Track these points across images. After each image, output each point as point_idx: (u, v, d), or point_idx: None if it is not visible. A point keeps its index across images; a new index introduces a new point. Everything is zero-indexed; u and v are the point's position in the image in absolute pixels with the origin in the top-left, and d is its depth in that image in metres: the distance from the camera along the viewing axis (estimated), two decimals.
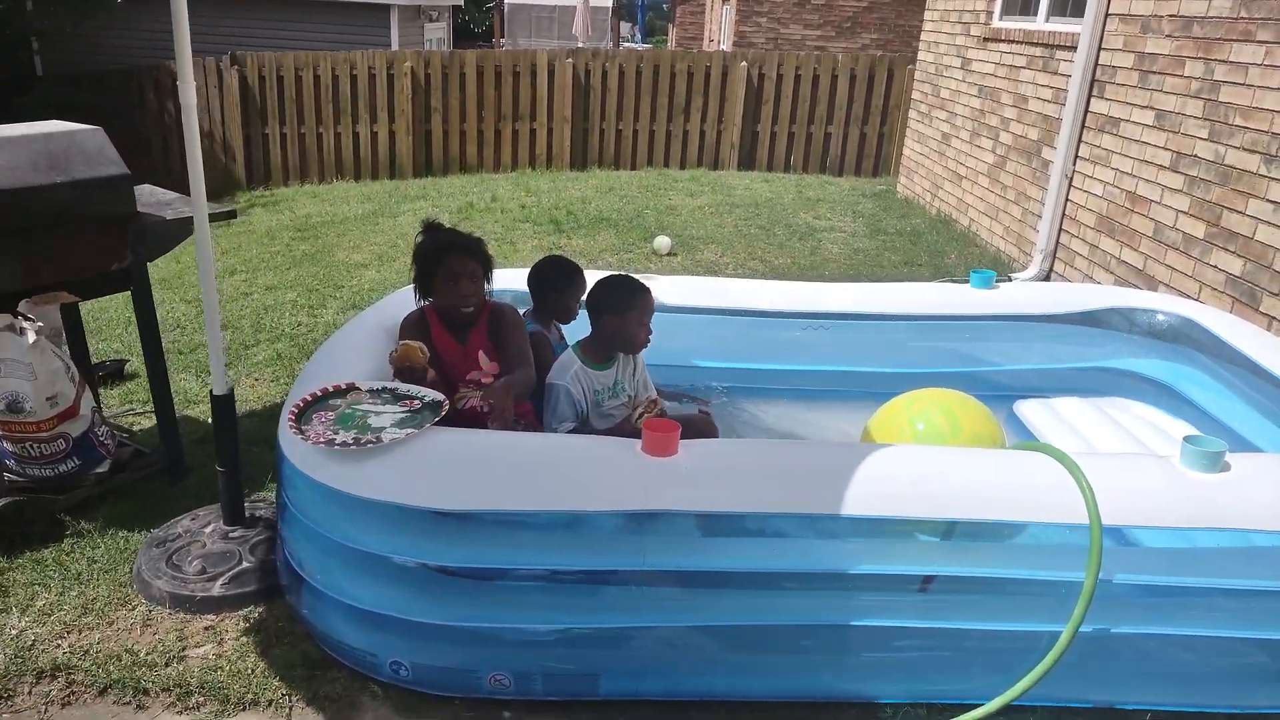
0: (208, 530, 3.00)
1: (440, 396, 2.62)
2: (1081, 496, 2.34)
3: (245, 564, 2.85)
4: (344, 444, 2.34)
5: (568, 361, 3.05)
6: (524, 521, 2.30)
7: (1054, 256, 6.31)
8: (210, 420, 3.20)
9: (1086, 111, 5.96)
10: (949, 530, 2.40)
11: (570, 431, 2.97)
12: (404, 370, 2.74)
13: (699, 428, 3.06)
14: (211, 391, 2.83)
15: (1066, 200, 6.17)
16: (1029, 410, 3.95)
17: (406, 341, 2.80)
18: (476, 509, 2.29)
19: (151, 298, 3.30)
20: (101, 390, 4.24)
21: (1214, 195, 4.64)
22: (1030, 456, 2.52)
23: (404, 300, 3.30)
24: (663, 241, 7.02)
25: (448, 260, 3.01)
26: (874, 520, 2.33)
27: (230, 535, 2.96)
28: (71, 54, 14.09)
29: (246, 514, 3.03)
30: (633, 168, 11.48)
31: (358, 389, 2.65)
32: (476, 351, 3.11)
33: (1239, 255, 4.43)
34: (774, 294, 3.99)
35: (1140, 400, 4.01)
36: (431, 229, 3.16)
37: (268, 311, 5.44)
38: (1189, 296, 4.79)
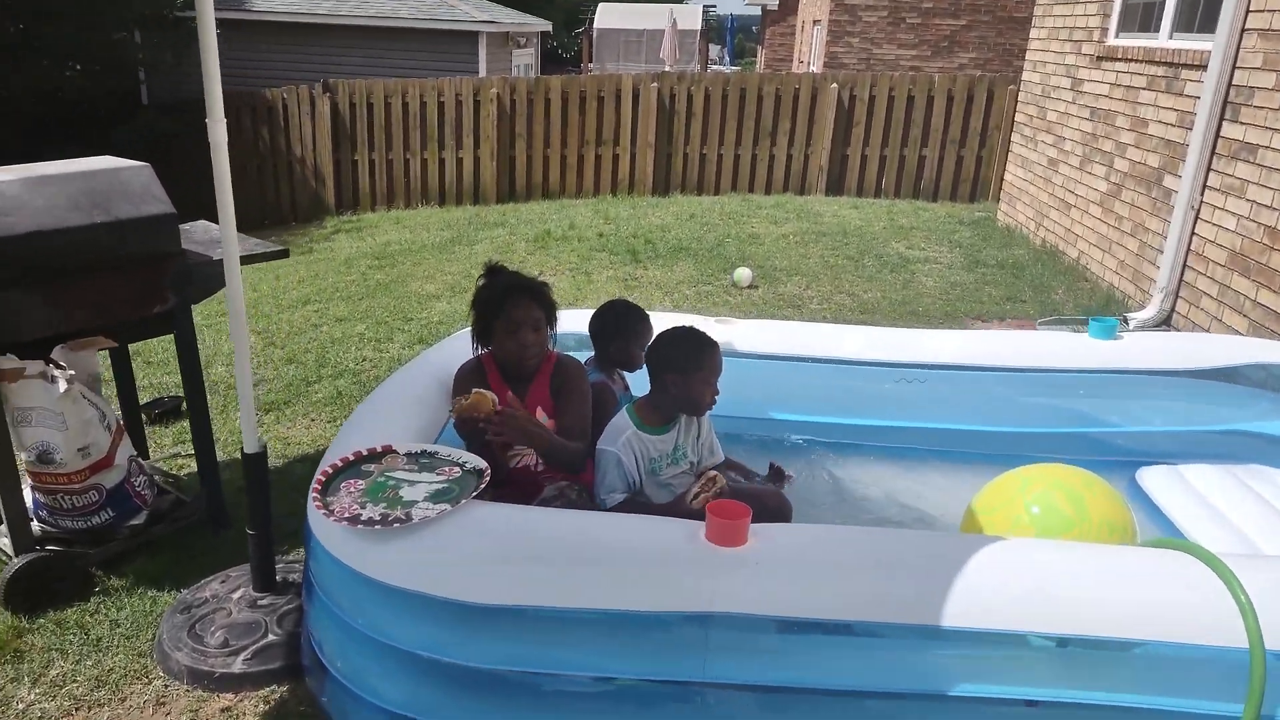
0: (236, 596, 2.78)
1: (482, 464, 2.34)
2: (1240, 613, 1.92)
3: (271, 637, 2.62)
4: (369, 522, 2.08)
5: (621, 425, 2.73)
6: (565, 618, 1.99)
7: (1176, 295, 5.73)
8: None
9: (1218, 137, 5.40)
10: (1064, 643, 2.00)
11: (620, 505, 2.66)
12: (467, 420, 2.49)
13: (770, 506, 2.72)
14: (242, 450, 2.61)
15: (1193, 234, 5.60)
16: (1154, 479, 3.47)
17: (480, 390, 2.56)
18: (510, 604, 2.00)
19: (195, 341, 3.13)
20: (155, 428, 4.12)
21: None
22: (1173, 557, 2.10)
23: (460, 347, 3.05)
24: (744, 274, 6.68)
25: (510, 306, 2.75)
26: (979, 634, 1.95)
27: (259, 603, 2.74)
28: (176, 83, 14.58)
29: (279, 578, 2.81)
30: (716, 193, 11.18)
31: (394, 453, 2.40)
32: (535, 407, 2.84)
33: None
34: (863, 341, 3.61)
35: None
36: (493, 271, 2.91)
37: (334, 345, 5.30)
38: None
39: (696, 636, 1.98)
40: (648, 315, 3.18)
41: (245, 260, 3.08)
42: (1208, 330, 5.35)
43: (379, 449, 2.40)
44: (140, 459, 3.18)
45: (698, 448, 2.87)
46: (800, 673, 2.02)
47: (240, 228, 2.59)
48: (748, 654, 2.01)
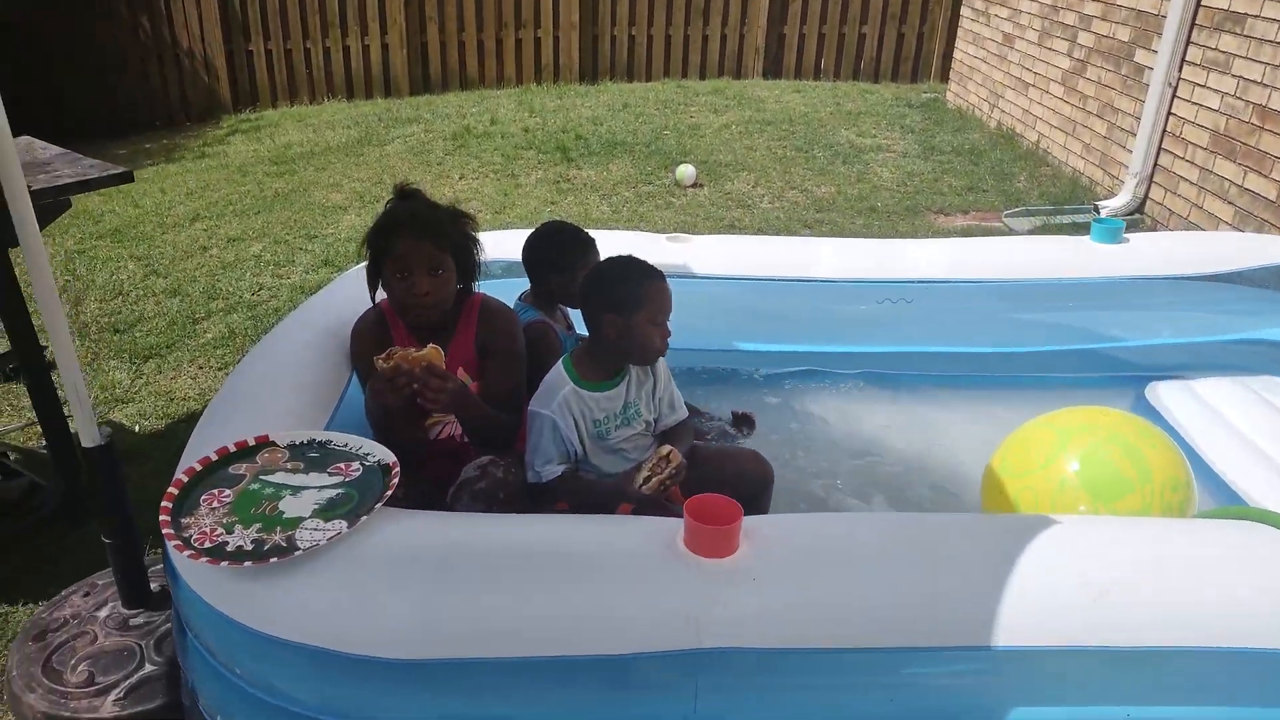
0: (103, 614, 2.25)
1: (389, 457, 1.81)
2: None
3: (148, 667, 2.11)
4: (238, 555, 1.55)
5: (556, 382, 2.21)
6: (506, 669, 1.52)
7: (1150, 181, 5.34)
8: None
9: (1199, 6, 4.92)
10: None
11: (558, 480, 2.18)
12: (394, 383, 2.00)
13: (750, 474, 2.27)
14: (79, 442, 2.03)
15: (1169, 115, 5.17)
16: (1165, 395, 3.10)
17: (433, 346, 2.07)
18: (436, 657, 1.51)
19: (19, 293, 2.48)
20: (13, 387, 3.47)
21: None
22: (1259, 532, 1.71)
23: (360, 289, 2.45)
24: (686, 171, 6.09)
25: (397, 244, 2.18)
26: (1041, 653, 1.54)
27: (131, 623, 2.21)
28: None
29: (155, 588, 2.28)
30: (648, 78, 10.37)
31: (273, 446, 1.85)
32: (456, 367, 2.31)
33: None
34: (838, 256, 3.11)
35: None
36: (403, 195, 2.31)
37: (226, 271, 4.62)
38: None
39: (681, 683, 1.53)
40: (593, 240, 2.63)
41: (78, 188, 2.43)
42: (1187, 218, 4.99)
43: (252, 441, 1.85)
44: None
45: (653, 404, 2.38)
46: (808, 710, 1.60)
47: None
48: (745, 689, 1.58)
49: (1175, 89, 5.11)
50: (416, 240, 2.18)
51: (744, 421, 2.89)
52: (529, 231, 2.71)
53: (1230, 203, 4.64)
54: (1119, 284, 3.07)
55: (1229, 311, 3.16)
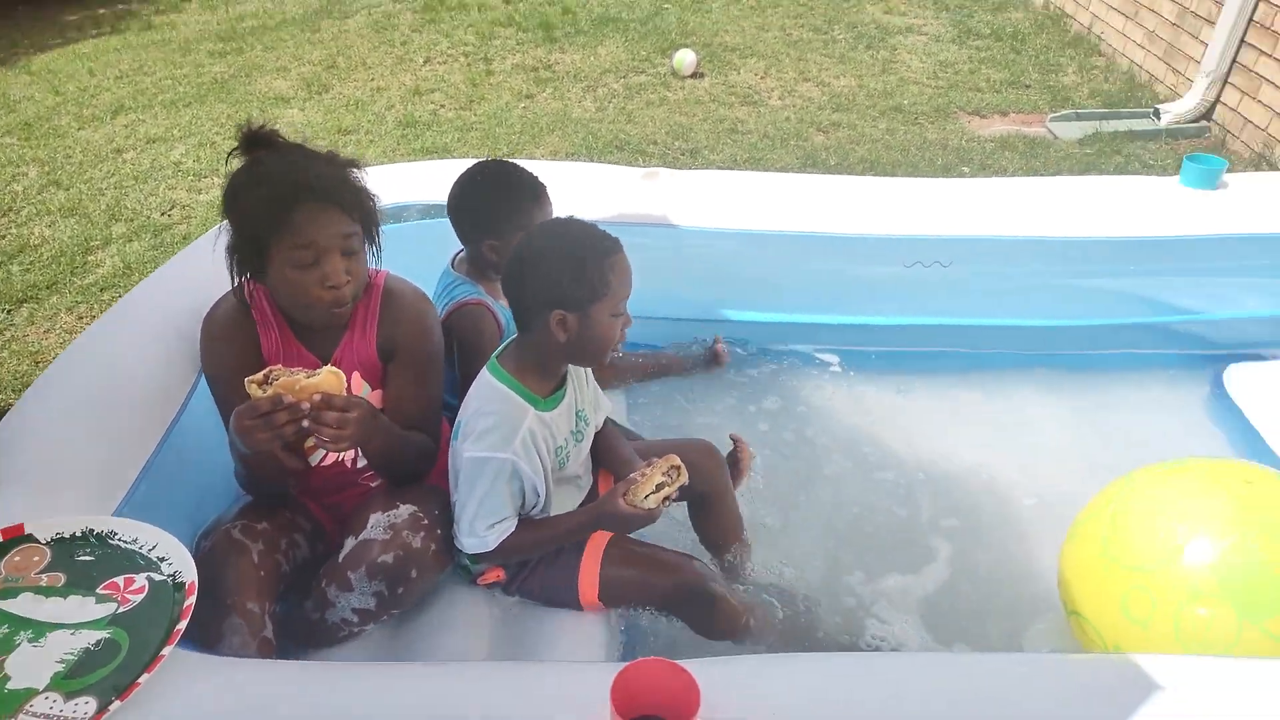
0: None
1: (189, 571, 1.25)
2: None
3: None
4: None
5: (507, 408, 1.60)
6: None
7: (1225, 81, 4.55)
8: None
9: None
10: None
11: (507, 540, 1.62)
12: (269, 418, 1.42)
13: (696, 463, 1.75)
14: None
15: (1257, 2, 4.34)
16: (1246, 382, 2.51)
17: (332, 370, 1.49)
18: None
19: None
20: None
21: None
22: None
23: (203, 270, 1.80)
24: (686, 58, 5.28)
25: (296, 217, 1.53)
26: None
27: None
28: None
29: None
30: None
31: (31, 542, 1.29)
32: (351, 372, 1.71)
33: None
34: (857, 202, 2.45)
35: None
36: (256, 142, 1.62)
37: (138, 183, 3.96)
38: None
39: None
40: (543, 188, 1.96)
41: None
42: (1266, 129, 4.24)
43: (1, 534, 1.28)
44: None
45: (590, 398, 1.81)
46: None
47: None
48: None
49: None
50: (323, 209, 1.55)
51: (715, 359, 2.36)
52: (449, 166, 2.05)
53: None
54: (1215, 242, 2.41)
55: None
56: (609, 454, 1.88)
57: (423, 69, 5.37)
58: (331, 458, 1.78)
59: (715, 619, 1.74)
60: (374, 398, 1.75)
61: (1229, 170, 2.52)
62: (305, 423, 1.45)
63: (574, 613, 1.74)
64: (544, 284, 1.55)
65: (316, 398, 1.45)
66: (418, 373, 1.77)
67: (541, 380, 1.65)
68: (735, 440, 2.12)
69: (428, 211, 2.18)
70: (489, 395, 1.63)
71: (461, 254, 2.06)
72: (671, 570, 1.78)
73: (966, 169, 4.24)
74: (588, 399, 1.79)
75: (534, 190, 1.96)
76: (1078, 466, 2.30)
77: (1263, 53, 4.31)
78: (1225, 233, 2.41)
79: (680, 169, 3.97)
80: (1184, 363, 2.62)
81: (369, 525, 1.62)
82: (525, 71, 5.30)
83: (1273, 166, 4.15)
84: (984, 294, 2.48)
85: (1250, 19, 4.38)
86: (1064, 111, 4.78)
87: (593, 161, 4.16)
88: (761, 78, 5.29)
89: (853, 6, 6.55)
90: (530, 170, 1.96)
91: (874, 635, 1.89)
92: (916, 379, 2.55)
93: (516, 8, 6.45)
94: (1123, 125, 4.61)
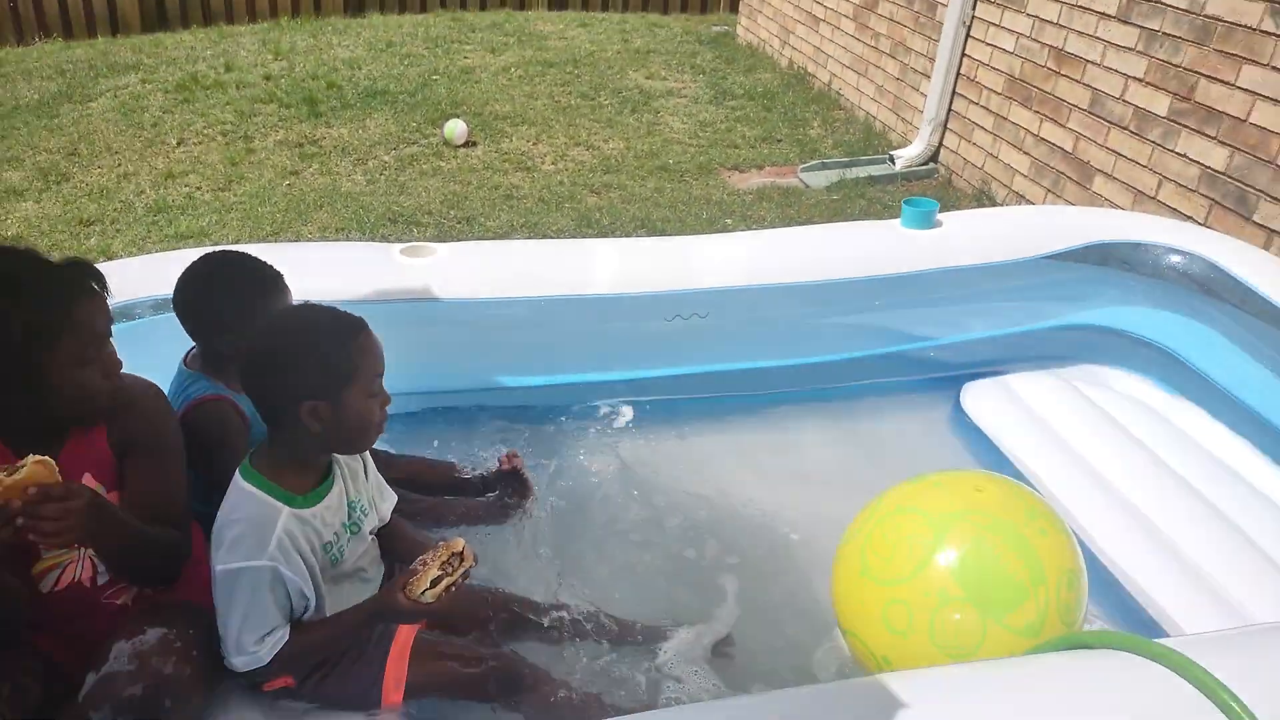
0: None
1: None
2: None
3: None
4: None
5: (259, 512, 1.53)
6: None
7: (945, 128, 5.09)
8: None
9: None
10: None
11: (280, 653, 1.54)
12: None
13: (507, 676, 1.73)
14: None
15: (963, 56, 4.90)
16: (978, 399, 2.79)
17: (39, 459, 1.38)
18: None
19: None
20: None
21: (1186, 58, 3.47)
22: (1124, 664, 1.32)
23: None
24: (457, 127, 5.32)
25: (75, 310, 1.49)
26: None
27: None
28: None
29: None
30: (422, 9, 9.33)
31: None
32: (82, 475, 1.59)
33: (1224, 143, 3.32)
34: (619, 262, 2.55)
35: (1122, 368, 2.92)
36: None
37: None
38: (1142, 192, 3.71)
39: None
40: (278, 277, 1.91)
41: None
42: (982, 168, 4.77)
43: None
44: None
45: (370, 491, 1.76)
46: None
47: None
48: None
49: (969, 28, 4.83)
50: (99, 298, 1.53)
51: (515, 482, 2.28)
52: (181, 258, 1.95)
53: (1026, 152, 4.43)
54: (935, 276, 2.68)
55: (1046, 297, 2.86)
56: (400, 541, 1.83)
57: (176, 151, 5.11)
58: (66, 580, 1.64)
59: (533, 701, 1.73)
60: (112, 499, 1.63)
61: (950, 209, 2.82)
62: (19, 522, 1.33)
63: (368, 714, 1.67)
64: (288, 376, 1.51)
65: (31, 491, 1.34)
66: (157, 462, 1.67)
67: (300, 476, 1.59)
68: (504, 461, 2.13)
69: (159, 306, 2.06)
70: (237, 501, 1.55)
71: (194, 350, 1.96)
72: (483, 659, 1.75)
73: (730, 221, 4.50)
74: (364, 488, 1.74)
75: (263, 281, 1.88)
76: (844, 492, 2.43)
77: (971, 101, 4.86)
78: (945, 266, 2.68)
79: (456, 238, 3.99)
80: (928, 386, 2.88)
81: (111, 657, 1.50)
82: (289, 148, 5.16)
83: (992, 201, 4.67)
84: (743, 339, 2.63)
85: (958, 73, 4.94)
86: (812, 162, 5.18)
87: (364, 236, 4.09)
88: (534, 144, 5.41)
89: (616, 73, 6.84)
90: (260, 258, 1.89)
91: (671, 691, 1.91)
92: (691, 425, 2.66)
93: (278, 84, 6.28)
94: (864, 171, 5.05)
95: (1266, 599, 2.02)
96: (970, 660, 1.60)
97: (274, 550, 1.51)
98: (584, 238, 4.08)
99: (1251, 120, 3.20)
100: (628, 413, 2.63)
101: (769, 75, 6.88)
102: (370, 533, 1.76)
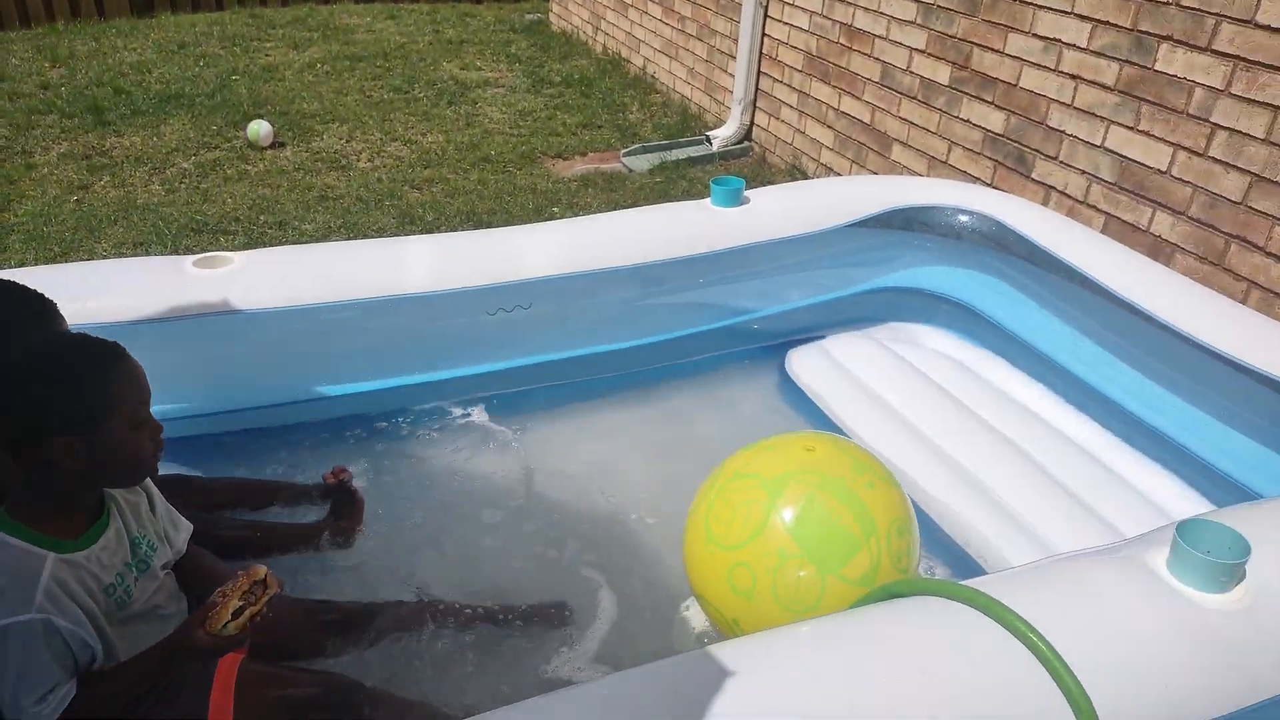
0: None
1: None
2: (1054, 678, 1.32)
3: None
4: None
5: (18, 563, 1.40)
6: None
7: (754, 107, 5.27)
8: None
9: None
10: None
11: (68, 709, 1.42)
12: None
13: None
14: None
15: (764, 36, 5.08)
16: (802, 364, 2.92)
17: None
18: None
19: None
20: None
21: (960, 29, 3.72)
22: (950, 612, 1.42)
23: None
24: (261, 128, 5.07)
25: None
26: None
27: None
28: None
29: None
30: (218, 6, 8.80)
31: None
32: None
33: (1000, 107, 3.59)
34: (432, 259, 2.50)
35: (929, 324, 3.12)
36: None
37: None
38: (935, 157, 3.96)
39: None
40: (49, 307, 1.72)
41: None
42: (791, 144, 4.97)
43: None
44: None
45: (159, 524, 1.66)
46: None
47: None
48: None
49: (766, 8, 5.00)
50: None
51: (339, 496, 2.19)
52: None
53: (829, 126, 4.65)
54: (746, 250, 2.77)
55: (852, 264, 3.02)
56: (198, 572, 1.74)
57: None
58: None
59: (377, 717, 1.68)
60: None
61: (766, 184, 2.92)
62: None
63: None
64: (35, 412, 1.39)
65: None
66: None
67: (66, 519, 1.48)
68: (329, 477, 2.06)
69: None
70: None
71: None
72: (317, 683, 1.69)
73: (556, 209, 4.50)
74: (149, 522, 1.63)
75: (31, 313, 1.69)
76: (687, 465, 2.49)
77: (776, 80, 5.05)
78: (755, 240, 2.77)
79: (269, 245, 3.80)
80: (756, 354, 2.98)
81: None
82: (75, 160, 4.78)
83: (804, 175, 4.87)
84: (574, 327, 2.64)
85: (761, 53, 5.12)
86: (634, 146, 5.25)
87: (166, 250, 3.85)
88: (347, 141, 5.23)
89: (430, 65, 6.69)
90: (20, 286, 1.73)
91: (529, 678, 1.91)
92: (528, 417, 2.65)
93: (57, 93, 5.79)
94: (683, 153, 5.16)
95: (1067, 530, 2.20)
96: (809, 616, 1.67)
97: (42, 601, 1.39)
98: (408, 235, 3.97)
99: (1021, 85, 3.47)
100: (458, 413, 2.60)
101: (585, 62, 6.91)
102: (163, 568, 1.66)
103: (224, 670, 1.62)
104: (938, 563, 2.27)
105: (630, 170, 4.99)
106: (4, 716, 1.42)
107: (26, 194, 4.38)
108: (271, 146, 5.07)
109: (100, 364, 1.43)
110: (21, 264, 3.70)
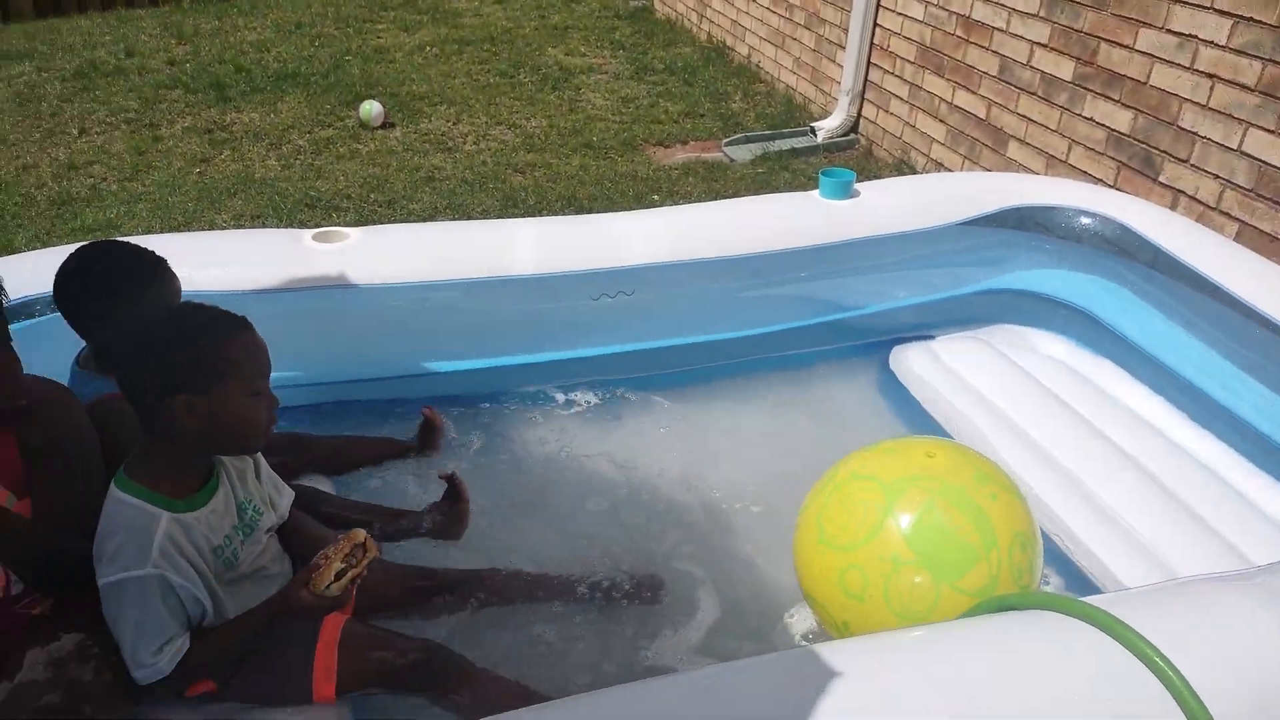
0: None
1: None
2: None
3: None
4: None
5: (135, 519, 1.47)
6: None
7: (862, 98, 5.16)
8: None
9: None
10: None
11: (184, 661, 1.49)
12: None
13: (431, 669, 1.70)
14: None
15: (875, 26, 4.96)
16: (908, 364, 2.85)
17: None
18: None
19: None
20: None
21: (1087, 23, 3.57)
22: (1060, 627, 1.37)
23: None
24: (373, 109, 5.20)
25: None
26: None
27: None
28: None
29: None
30: None
31: None
32: None
33: (1126, 105, 3.43)
34: (539, 243, 2.52)
35: (1044, 329, 3.01)
36: None
37: None
38: (1054, 156, 3.82)
39: None
40: (160, 263, 1.81)
41: None
42: (900, 137, 4.85)
43: None
44: None
45: (264, 490, 1.72)
46: None
47: None
48: None
49: None
50: None
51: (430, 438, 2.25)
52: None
53: (942, 120, 4.52)
54: (855, 245, 2.72)
55: (964, 263, 2.93)
56: (301, 536, 1.79)
57: (78, 141, 4.89)
58: None
59: (466, 693, 1.71)
60: (18, 508, 1.56)
61: (871, 179, 2.85)
62: None
63: (299, 709, 1.64)
64: (161, 369, 1.45)
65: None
66: (67, 467, 1.61)
67: (179, 480, 1.54)
68: (448, 479, 2.10)
69: None
70: (112, 512, 1.49)
71: (86, 351, 1.88)
72: (414, 649, 1.73)
73: (656, 196, 4.49)
74: (255, 489, 1.69)
75: (135, 270, 1.79)
76: (787, 462, 2.45)
77: (887, 72, 4.93)
78: (864, 235, 2.72)
79: (378, 222, 3.90)
80: (857, 351, 2.92)
81: (25, 665, 1.44)
82: (198, 134, 4.98)
83: (911, 169, 4.75)
84: (675, 316, 2.63)
85: (872, 43, 5.00)
86: (736, 136, 5.20)
87: (281, 223, 3.98)
88: (454, 124, 5.32)
89: (535, 50, 6.75)
90: (136, 245, 1.80)
91: (626, 660, 1.91)
92: (625, 404, 2.65)
93: (183, 69, 6.05)
94: (786, 144, 5.09)
95: (1188, 551, 2.08)
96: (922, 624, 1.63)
97: (156, 558, 1.46)
98: (510, 218, 4.02)
99: (1152, 83, 3.31)
100: (560, 396, 2.62)
101: (689, 49, 6.87)
102: (268, 532, 1.72)
103: (329, 628, 1.67)
104: (1047, 576, 2.19)
105: (732, 160, 4.95)
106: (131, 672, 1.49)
107: (153, 164, 4.59)
108: (382, 126, 5.19)
109: (226, 332, 1.48)
110: (148, 231, 3.87)
